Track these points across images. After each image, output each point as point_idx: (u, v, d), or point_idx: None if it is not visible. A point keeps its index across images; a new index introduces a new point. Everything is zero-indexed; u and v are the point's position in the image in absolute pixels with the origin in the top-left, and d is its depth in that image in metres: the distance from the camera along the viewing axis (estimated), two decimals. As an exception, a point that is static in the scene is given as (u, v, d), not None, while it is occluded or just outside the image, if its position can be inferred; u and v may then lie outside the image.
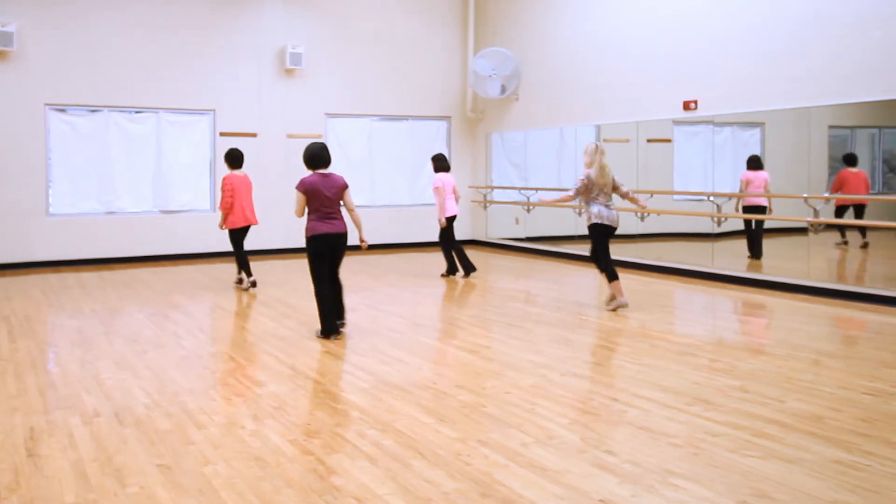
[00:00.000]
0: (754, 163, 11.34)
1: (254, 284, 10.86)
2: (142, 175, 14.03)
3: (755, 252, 11.64)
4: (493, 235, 16.26)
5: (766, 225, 11.73)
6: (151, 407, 5.58)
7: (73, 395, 5.91)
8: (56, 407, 5.60)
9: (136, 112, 13.94)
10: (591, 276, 12.17)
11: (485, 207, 16.35)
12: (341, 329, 7.95)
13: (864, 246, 10.74)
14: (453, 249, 11.96)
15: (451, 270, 11.98)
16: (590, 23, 13.62)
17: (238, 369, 6.67)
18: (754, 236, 11.69)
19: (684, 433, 4.90)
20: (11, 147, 12.97)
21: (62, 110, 13.44)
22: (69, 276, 12.20)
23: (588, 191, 8.95)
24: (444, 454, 4.59)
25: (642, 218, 12.41)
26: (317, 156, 7.84)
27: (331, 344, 7.59)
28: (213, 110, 14.41)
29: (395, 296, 10.62)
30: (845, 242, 10.80)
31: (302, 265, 11.99)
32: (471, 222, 16.71)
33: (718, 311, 9.66)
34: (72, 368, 6.69)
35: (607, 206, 8.95)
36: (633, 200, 9.16)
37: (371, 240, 15.27)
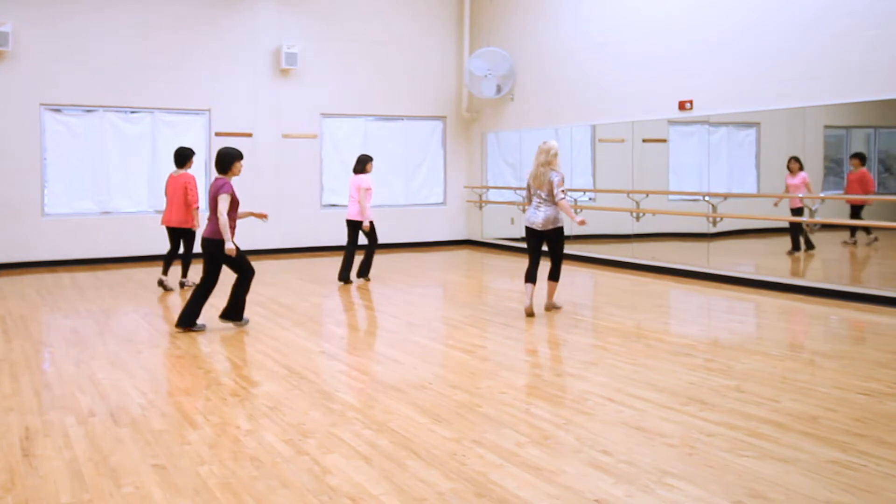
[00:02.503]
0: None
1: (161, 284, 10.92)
2: (137, 175, 14.02)
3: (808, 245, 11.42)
4: (489, 235, 16.27)
5: (763, 225, 11.72)
6: (146, 407, 5.57)
7: (68, 395, 5.90)
8: (51, 407, 5.59)
9: (132, 112, 13.92)
10: (587, 276, 12.18)
11: (480, 207, 16.35)
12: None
13: (872, 242, 10.63)
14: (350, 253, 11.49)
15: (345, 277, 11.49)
16: (585, 23, 13.63)
17: (233, 369, 6.66)
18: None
19: (679, 433, 4.91)
20: (6, 147, 12.95)
21: (57, 110, 13.42)
22: (64, 276, 12.18)
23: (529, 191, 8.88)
24: (439, 454, 4.59)
25: (637, 218, 12.42)
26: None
27: (326, 344, 7.59)
28: (209, 110, 14.40)
29: (391, 296, 10.62)
30: (854, 242, 10.75)
31: (297, 265, 12.03)
32: (466, 222, 16.72)
33: (713, 312, 9.67)
34: (67, 368, 6.68)
35: (535, 208, 8.75)
36: (557, 204, 8.69)
37: (366, 239, 15.26)
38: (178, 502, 3.98)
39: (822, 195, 10.26)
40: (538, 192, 8.68)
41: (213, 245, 7.94)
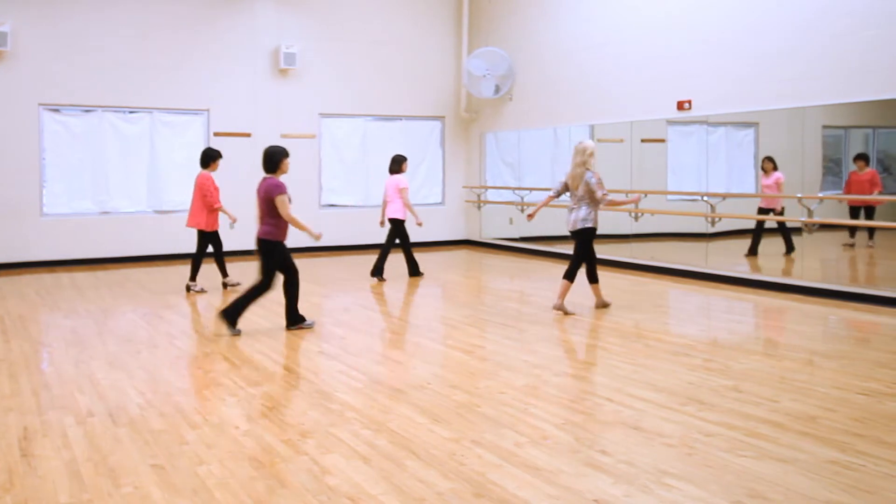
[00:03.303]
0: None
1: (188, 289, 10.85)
2: (136, 175, 14.00)
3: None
4: (487, 235, 16.27)
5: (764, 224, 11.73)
6: (145, 407, 5.57)
7: (66, 395, 5.89)
8: (50, 407, 5.59)
9: (130, 112, 13.91)
10: (585, 276, 12.17)
11: (479, 207, 16.35)
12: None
13: (868, 246, 10.70)
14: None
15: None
16: (584, 23, 13.64)
17: (232, 369, 6.66)
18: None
19: (678, 433, 4.91)
20: (5, 147, 12.94)
21: (56, 110, 13.41)
22: (63, 276, 12.17)
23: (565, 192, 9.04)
24: (437, 454, 4.59)
25: (636, 218, 12.42)
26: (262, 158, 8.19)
27: (325, 344, 7.59)
28: (208, 110, 14.39)
29: (389, 296, 10.62)
30: (853, 244, 10.78)
31: (296, 265, 12.01)
32: (465, 222, 16.72)
33: (712, 312, 9.67)
34: (66, 368, 6.68)
35: (570, 210, 8.93)
36: (609, 204, 8.95)
37: (365, 240, 15.24)
38: (176, 502, 3.98)
39: (820, 195, 10.26)
40: (574, 192, 8.84)
41: (268, 245, 8.00)
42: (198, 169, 10.95)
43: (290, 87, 14.99)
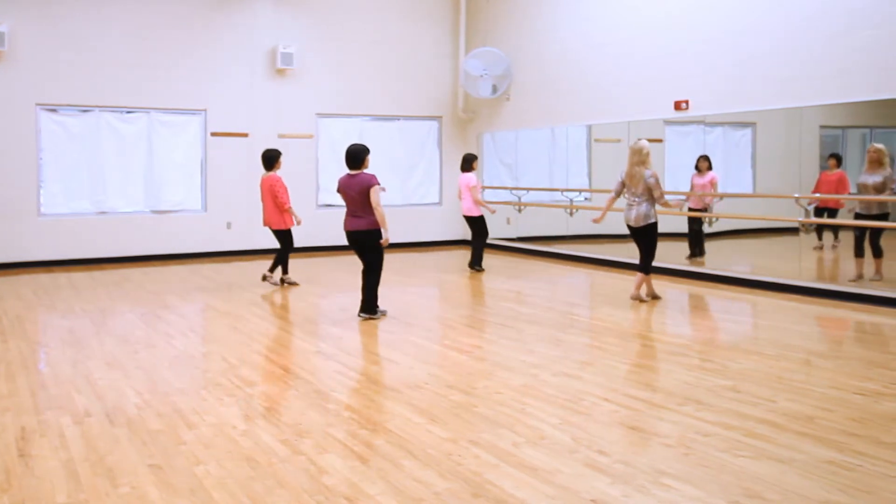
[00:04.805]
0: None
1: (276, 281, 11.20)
2: (133, 175, 14.00)
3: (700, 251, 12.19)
4: (485, 235, 16.26)
5: (757, 225, 11.74)
6: (143, 407, 5.56)
7: (64, 395, 5.89)
8: (47, 407, 5.58)
9: (128, 112, 13.90)
10: (583, 276, 12.20)
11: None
12: (360, 315, 8.69)
13: (821, 248, 10.82)
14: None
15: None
16: (581, 23, 13.64)
17: (229, 369, 6.65)
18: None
19: (676, 433, 4.91)
20: (2, 147, 12.93)
21: (53, 110, 13.40)
22: (61, 277, 12.16)
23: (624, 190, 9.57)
24: (435, 454, 4.59)
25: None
26: (346, 156, 8.63)
27: (322, 344, 7.59)
28: (205, 110, 14.38)
29: (387, 296, 10.60)
30: (821, 247, 10.84)
31: (294, 265, 12.01)
32: (462, 222, 16.68)
33: (709, 311, 9.68)
34: (63, 368, 6.67)
35: (629, 206, 9.44)
36: (664, 204, 9.46)
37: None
38: (174, 502, 3.98)
39: (817, 195, 10.26)
40: (632, 189, 9.34)
41: (367, 235, 8.47)
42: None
43: (288, 87, 14.99)
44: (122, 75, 13.67)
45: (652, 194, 9.21)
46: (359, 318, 8.63)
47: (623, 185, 9.45)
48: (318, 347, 7.49)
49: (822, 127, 10.67)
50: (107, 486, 4.19)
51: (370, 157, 8.71)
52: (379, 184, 8.47)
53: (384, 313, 8.81)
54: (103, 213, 13.77)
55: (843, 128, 10.82)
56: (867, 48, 9.34)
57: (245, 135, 14.53)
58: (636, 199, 9.31)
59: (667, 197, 9.47)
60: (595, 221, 10.04)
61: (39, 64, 13.11)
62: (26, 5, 13.00)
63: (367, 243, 8.51)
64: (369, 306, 8.66)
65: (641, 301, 9.55)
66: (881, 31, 9.22)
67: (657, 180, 9.19)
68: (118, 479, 4.27)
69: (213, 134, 14.35)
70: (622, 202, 9.67)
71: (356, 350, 7.27)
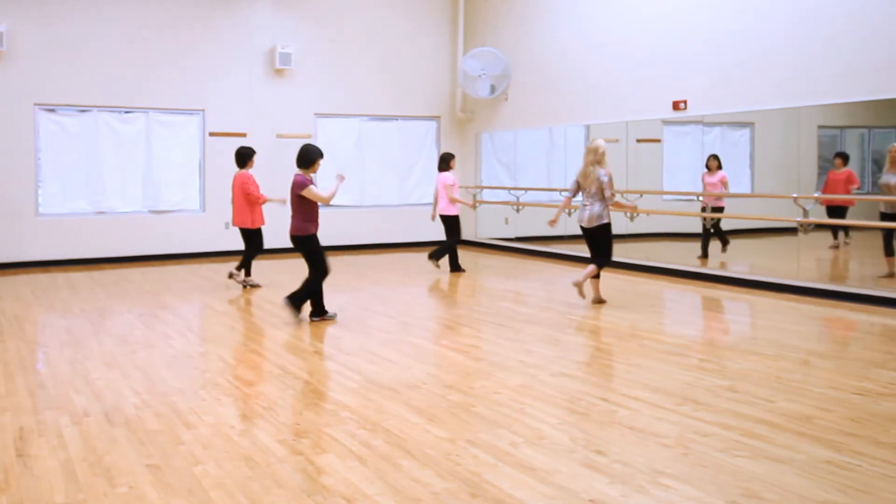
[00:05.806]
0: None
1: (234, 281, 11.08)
2: (131, 175, 13.99)
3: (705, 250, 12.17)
4: (483, 235, 16.27)
5: (756, 225, 11.76)
6: (141, 407, 5.56)
7: (62, 395, 5.88)
8: (45, 407, 5.58)
9: (126, 112, 13.90)
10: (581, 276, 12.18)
11: (474, 208, 16.33)
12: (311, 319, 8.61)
13: (836, 248, 10.83)
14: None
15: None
16: (579, 23, 13.64)
17: (227, 369, 6.65)
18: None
19: (674, 433, 4.91)
20: (1, 147, 12.92)
21: (51, 110, 13.40)
22: (59, 277, 12.15)
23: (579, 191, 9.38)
24: (433, 454, 4.59)
25: (632, 218, 12.43)
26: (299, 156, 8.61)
27: (320, 344, 7.58)
28: (203, 110, 14.38)
29: (385, 296, 10.62)
30: (837, 245, 10.84)
31: (292, 265, 12.01)
32: (461, 222, 16.69)
33: (707, 311, 9.68)
34: (61, 368, 6.67)
35: (583, 206, 9.27)
36: (615, 206, 9.34)
37: (361, 240, 15.27)
38: (172, 502, 3.98)
39: (816, 195, 10.26)
40: (586, 189, 9.20)
41: (296, 240, 8.56)
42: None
43: (286, 87, 14.99)
44: (121, 75, 13.67)
45: (604, 194, 9.04)
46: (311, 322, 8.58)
47: (578, 185, 9.29)
48: (315, 347, 7.49)
49: (821, 127, 10.68)
50: (105, 485, 4.19)
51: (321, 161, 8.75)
52: (314, 183, 8.53)
53: (333, 316, 8.71)
54: (101, 213, 13.77)
55: (841, 128, 10.82)
56: (866, 48, 9.34)
57: (243, 135, 14.51)
58: (590, 200, 9.15)
59: (618, 198, 9.34)
60: (551, 223, 9.68)
61: (38, 64, 13.11)
62: (25, 5, 12.99)
63: (298, 248, 8.64)
64: (315, 308, 8.61)
65: (582, 295, 9.32)
66: (879, 32, 9.23)
67: (610, 179, 9.02)
68: (116, 479, 4.26)
69: (212, 134, 14.35)
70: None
71: (354, 350, 7.27)
